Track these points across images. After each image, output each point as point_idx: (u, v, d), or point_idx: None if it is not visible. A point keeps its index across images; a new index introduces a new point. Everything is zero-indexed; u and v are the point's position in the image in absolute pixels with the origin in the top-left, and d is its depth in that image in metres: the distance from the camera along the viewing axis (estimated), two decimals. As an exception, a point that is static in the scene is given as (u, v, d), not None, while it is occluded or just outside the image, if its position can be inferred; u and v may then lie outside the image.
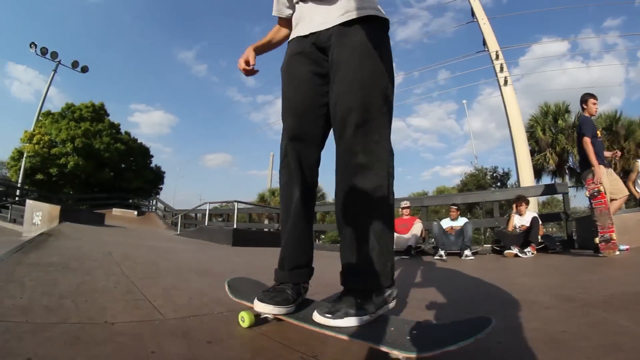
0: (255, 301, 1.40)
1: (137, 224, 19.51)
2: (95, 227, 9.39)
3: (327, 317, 1.20)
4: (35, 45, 26.76)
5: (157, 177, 33.01)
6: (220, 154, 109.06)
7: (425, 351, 0.98)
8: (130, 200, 27.71)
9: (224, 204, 16.74)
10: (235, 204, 13.01)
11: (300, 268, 1.52)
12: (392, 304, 1.35)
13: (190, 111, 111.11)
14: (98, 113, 29.43)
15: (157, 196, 30.71)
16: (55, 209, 10.82)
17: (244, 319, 1.42)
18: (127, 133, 30.89)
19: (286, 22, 1.81)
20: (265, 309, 1.37)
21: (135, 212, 23.81)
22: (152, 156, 33.01)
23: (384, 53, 1.42)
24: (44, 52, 27.01)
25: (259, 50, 1.82)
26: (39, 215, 11.50)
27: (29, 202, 12.38)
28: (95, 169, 27.26)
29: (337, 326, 1.18)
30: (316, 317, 1.23)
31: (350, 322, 1.19)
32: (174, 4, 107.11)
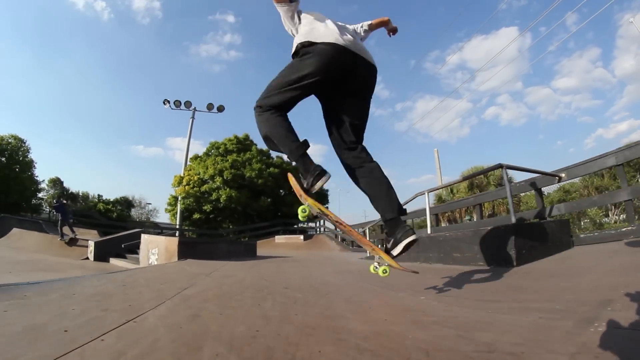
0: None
1: (305, 249, 15.76)
2: (234, 262, 6.15)
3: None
4: (169, 101, 27.35)
5: (321, 197, 28.97)
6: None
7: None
8: (295, 225, 24.04)
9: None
10: (426, 193, 7.01)
11: None
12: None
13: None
14: (243, 144, 27.10)
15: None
16: (173, 242, 7.39)
17: None
18: (279, 157, 27.55)
19: None
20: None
21: (302, 237, 19.64)
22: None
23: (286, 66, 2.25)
24: (177, 104, 27.57)
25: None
26: (154, 252, 7.49)
27: (144, 237, 8.56)
28: (250, 198, 24.25)
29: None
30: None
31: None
32: (285, 41, 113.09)
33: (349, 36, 2.24)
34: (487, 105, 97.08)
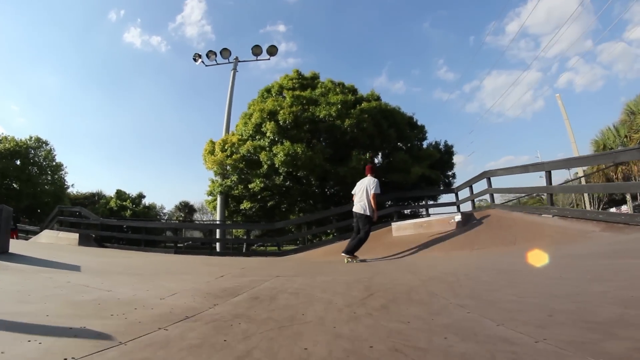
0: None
1: (478, 257, 5.93)
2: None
3: (344, 255, 6.64)
4: (200, 56, 19.44)
5: (446, 156, 17.47)
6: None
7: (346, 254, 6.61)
8: (423, 202, 12.73)
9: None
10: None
11: None
12: (357, 260, 6.53)
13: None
14: (310, 83, 16.25)
15: (454, 188, 13.72)
16: None
17: None
18: (372, 94, 16.14)
19: None
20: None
21: (456, 218, 8.43)
22: (424, 130, 17.70)
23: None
24: (211, 56, 19.24)
25: None
26: None
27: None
28: (331, 159, 13.15)
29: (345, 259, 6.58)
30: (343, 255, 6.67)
31: (346, 259, 6.63)
32: (347, 47, 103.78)
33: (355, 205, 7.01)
34: (558, 72, 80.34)
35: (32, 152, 27.82)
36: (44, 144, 28.51)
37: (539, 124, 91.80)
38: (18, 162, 26.73)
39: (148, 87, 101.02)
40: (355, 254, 6.67)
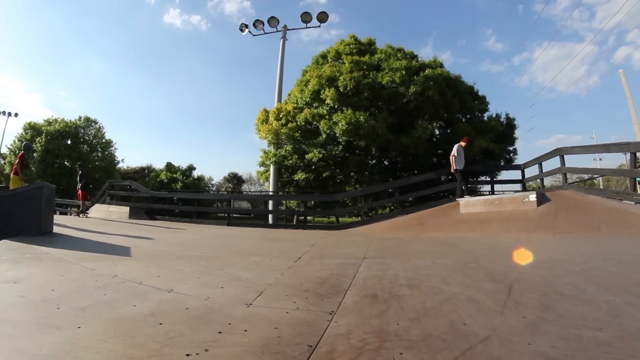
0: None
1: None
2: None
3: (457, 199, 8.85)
4: (247, 26, 18.79)
5: (507, 130, 16.12)
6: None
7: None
8: (484, 177, 12.02)
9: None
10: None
11: None
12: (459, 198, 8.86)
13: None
14: (368, 49, 15.45)
15: (520, 165, 11.55)
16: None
17: None
18: (435, 60, 14.96)
19: None
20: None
21: (531, 196, 7.83)
22: (486, 101, 16.45)
23: None
24: (258, 25, 18.62)
25: None
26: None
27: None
28: (393, 128, 12.49)
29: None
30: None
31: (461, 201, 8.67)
32: (390, 17, 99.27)
33: None
34: (616, 47, 73.58)
35: (82, 131, 28.69)
36: (93, 123, 29.35)
37: (593, 102, 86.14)
38: (69, 142, 27.56)
39: (192, 65, 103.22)
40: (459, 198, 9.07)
